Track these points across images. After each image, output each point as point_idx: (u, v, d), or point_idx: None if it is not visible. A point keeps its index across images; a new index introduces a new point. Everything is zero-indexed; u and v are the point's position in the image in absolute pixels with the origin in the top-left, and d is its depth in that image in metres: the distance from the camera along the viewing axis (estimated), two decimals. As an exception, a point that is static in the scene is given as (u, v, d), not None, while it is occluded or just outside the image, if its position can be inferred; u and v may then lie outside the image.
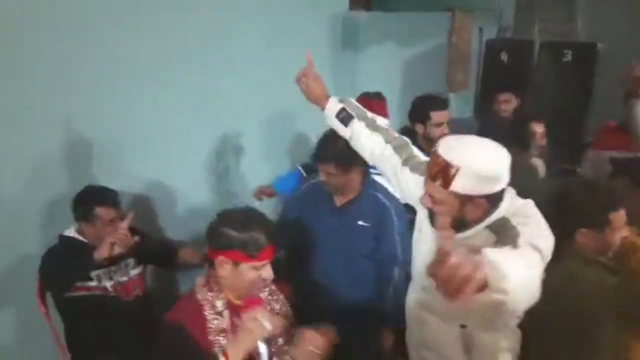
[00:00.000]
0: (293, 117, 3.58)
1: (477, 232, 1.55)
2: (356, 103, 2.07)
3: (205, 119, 3.15)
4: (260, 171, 3.54)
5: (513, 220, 1.50)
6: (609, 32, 4.77)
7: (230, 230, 1.56)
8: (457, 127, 3.69)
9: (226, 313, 1.60)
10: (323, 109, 2.06)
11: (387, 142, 1.93)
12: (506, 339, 1.78)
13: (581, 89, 4.39)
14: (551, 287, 1.71)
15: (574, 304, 1.71)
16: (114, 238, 2.15)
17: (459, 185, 1.45)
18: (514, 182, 1.55)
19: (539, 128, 3.12)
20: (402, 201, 2.17)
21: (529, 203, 1.59)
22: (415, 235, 1.88)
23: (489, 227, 1.55)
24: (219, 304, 1.60)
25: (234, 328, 1.56)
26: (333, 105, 2.03)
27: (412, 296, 1.97)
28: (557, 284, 1.71)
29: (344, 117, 2.00)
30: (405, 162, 1.85)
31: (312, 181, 2.54)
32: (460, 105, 5.05)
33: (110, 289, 2.32)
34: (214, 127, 3.24)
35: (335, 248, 2.36)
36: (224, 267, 1.57)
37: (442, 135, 2.87)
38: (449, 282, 0.98)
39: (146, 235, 2.54)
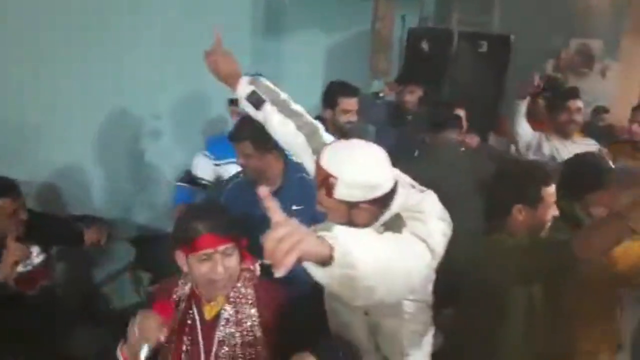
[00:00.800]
0: (210, 99, 3.51)
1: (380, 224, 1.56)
2: (269, 84, 1.95)
3: (116, 100, 3.03)
4: (179, 154, 3.46)
5: (404, 214, 1.52)
6: (523, 25, 4.99)
7: (177, 224, 1.62)
8: (372, 111, 3.80)
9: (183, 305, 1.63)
10: (234, 90, 1.93)
11: (298, 129, 1.87)
12: (412, 323, 1.80)
13: (495, 79, 4.56)
14: (477, 259, 1.78)
15: (494, 272, 1.77)
16: (14, 257, 2.07)
17: (341, 194, 1.46)
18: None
19: (461, 113, 3.24)
20: None
21: (428, 198, 1.59)
22: None
23: (383, 224, 1.56)
24: (181, 292, 1.65)
25: (182, 319, 1.61)
26: (244, 87, 1.90)
27: None
28: (482, 255, 1.79)
29: (255, 100, 1.89)
30: (314, 152, 1.79)
31: (233, 182, 2.48)
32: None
33: (11, 283, 2.19)
34: (127, 108, 3.12)
35: None
36: (182, 262, 1.61)
37: (349, 122, 2.97)
38: (272, 253, 1.02)
39: (46, 216, 2.42)
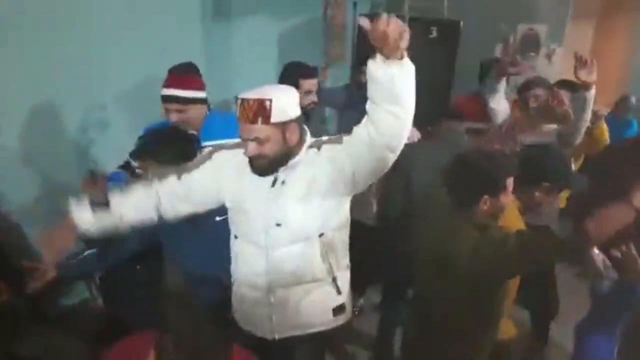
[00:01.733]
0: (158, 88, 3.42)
1: (304, 153, 1.81)
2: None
3: (60, 90, 2.91)
4: (128, 146, 3.36)
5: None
6: (472, 10, 5.06)
7: None
8: (332, 95, 3.79)
9: None
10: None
11: (146, 186, 1.91)
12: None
13: (445, 64, 4.63)
14: (453, 256, 1.81)
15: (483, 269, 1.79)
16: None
17: (276, 115, 1.70)
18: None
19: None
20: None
21: None
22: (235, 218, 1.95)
23: (311, 146, 1.83)
24: None
25: None
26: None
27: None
28: (461, 252, 1.79)
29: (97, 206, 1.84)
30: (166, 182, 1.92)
31: None
32: (339, 75, 5.13)
33: None
34: (74, 97, 3.01)
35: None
36: None
37: (311, 103, 2.96)
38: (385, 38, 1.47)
39: None
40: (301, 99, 2.92)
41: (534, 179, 2.02)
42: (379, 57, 1.54)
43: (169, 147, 2.19)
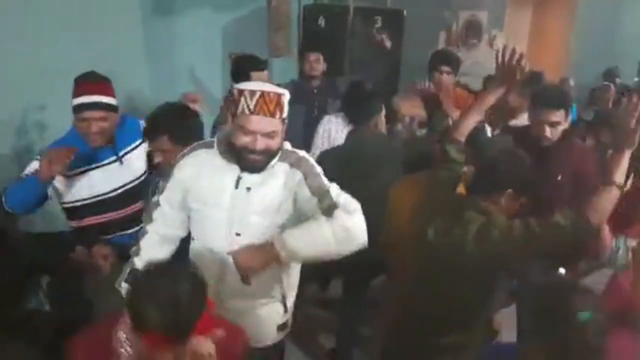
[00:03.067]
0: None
1: (279, 159, 1.80)
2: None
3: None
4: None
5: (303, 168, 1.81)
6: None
7: None
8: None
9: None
10: None
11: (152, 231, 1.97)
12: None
13: (391, 53, 4.66)
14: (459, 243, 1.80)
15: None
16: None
17: (286, 109, 1.75)
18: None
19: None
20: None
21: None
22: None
23: (290, 164, 1.81)
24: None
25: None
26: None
27: None
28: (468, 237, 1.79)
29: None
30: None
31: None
32: (286, 69, 5.10)
33: None
34: (10, 98, 2.88)
35: None
36: None
37: None
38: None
39: None
40: None
41: (498, 185, 1.96)
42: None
43: (183, 121, 2.15)
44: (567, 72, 5.71)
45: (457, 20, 6.23)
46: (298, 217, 1.82)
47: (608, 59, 5.87)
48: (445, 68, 3.35)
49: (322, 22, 4.81)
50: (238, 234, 1.80)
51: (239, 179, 1.79)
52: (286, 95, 1.74)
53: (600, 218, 1.70)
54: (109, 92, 2.35)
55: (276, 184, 1.80)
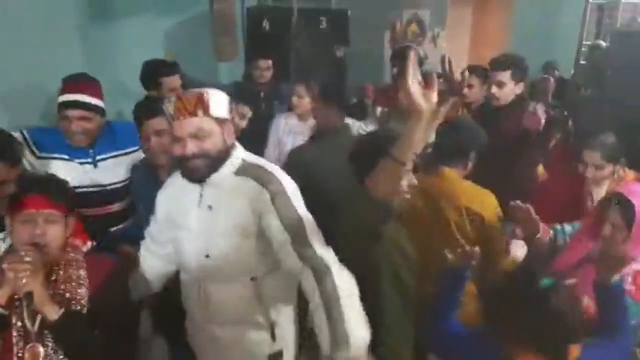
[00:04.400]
0: (33, 93, 3.16)
1: (231, 172, 1.72)
2: None
3: None
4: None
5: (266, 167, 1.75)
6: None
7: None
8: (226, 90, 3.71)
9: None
10: None
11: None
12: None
13: (337, 54, 4.67)
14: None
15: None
16: None
17: (215, 109, 1.65)
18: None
19: (301, 90, 3.27)
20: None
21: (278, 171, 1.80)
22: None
23: (255, 179, 1.70)
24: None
25: None
26: None
27: None
28: None
29: None
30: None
31: (139, 170, 2.42)
32: (233, 71, 5.03)
33: None
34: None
35: None
36: (8, 229, 1.65)
37: None
38: None
39: None
40: (166, 95, 2.83)
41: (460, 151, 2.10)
42: None
43: None
44: (508, 67, 5.85)
45: (401, 19, 6.31)
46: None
47: (547, 52, 6.07)
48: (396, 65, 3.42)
49: (266, 24, 4.78)
50: (207, 256, 1.73)
51: (200, 196, 1.73)
52: (212, 93, 1.67)
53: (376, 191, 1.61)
54: (93, 93, 2.34)
55: (240, 203, 1.69)
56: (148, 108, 2.29)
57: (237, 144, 1.80)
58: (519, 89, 2.68)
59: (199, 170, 1.68)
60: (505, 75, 2.64)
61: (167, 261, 1.90)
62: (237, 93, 3.70)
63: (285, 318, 1.87)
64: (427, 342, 1.83)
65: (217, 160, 1.69)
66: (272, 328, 1.82)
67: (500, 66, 2.68)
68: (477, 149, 2.20)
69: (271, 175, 1.72)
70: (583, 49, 5.87)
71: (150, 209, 1.93)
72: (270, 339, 1.83)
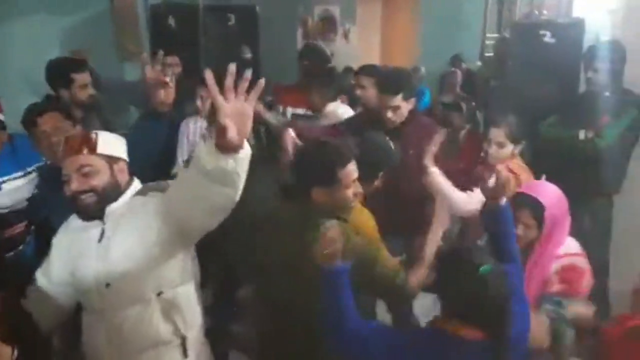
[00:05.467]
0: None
1: (130, 198, 1.72)
2: None
3: None
4: None
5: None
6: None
7: None
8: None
9: None
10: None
11: None
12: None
13: (249, 50, 4.59)
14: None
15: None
16: None
17: (103, 147, 1.66)
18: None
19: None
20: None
21: None
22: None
23: (148, 191, 1.74)
24: None
25: None
26: None
27: None
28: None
29: None
30: None
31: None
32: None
33: None
34: None
35: None
36: None
37: (90, 97, 2.83)
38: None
39: None
40: (77, 93, 2.82)
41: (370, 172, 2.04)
42: (213, 148, 1.34)
43: None
44: (418, 61, 5.99)
45: (312, 15, 6.30)
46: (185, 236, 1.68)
47: (454, 46, 6.25)
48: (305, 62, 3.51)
49: (172, 22, 4.59)
50: (107, 285, 1.66)
51: (102, 232, 1.69)
52: (101, 134, 1.68)
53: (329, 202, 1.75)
54: None
55: (142, 217, 1.67)
56: (41, 106, 2.28)
57: (135, 179, 1.78)
58: (411, 104, 2.69)
59: (88, 206, 1.66)
60: (397, 99, 2.62)
61: (64, 297, 1.78)
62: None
63: (195, 330, 1.83)
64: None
65: (107, 196, 1.68)
66: (183, 344, 1.77)
67: (393, 91, 2.62)
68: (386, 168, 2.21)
69: (149, 187, 1.76)
70: (487, 42, 6.10)
71: (62, 214, 1.83)
72: (181, 357, 1.77)
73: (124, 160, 1.74)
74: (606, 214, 2.94)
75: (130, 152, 1.76)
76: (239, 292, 2.83)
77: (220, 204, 1.49)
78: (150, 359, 1.74)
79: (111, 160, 1.68)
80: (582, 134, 2.83)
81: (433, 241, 1.91)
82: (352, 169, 1.80)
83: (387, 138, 2.34)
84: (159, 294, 1.70)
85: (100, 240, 1.68)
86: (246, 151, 1.38)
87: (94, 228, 1.70)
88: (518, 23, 4.30)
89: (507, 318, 1.45)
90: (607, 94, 2.86)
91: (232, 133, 1.27)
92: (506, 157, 2.52)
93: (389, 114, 2.62)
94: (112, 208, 1.68)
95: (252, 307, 2.32)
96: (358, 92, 2.86)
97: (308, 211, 1.80)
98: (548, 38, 3.41)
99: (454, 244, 1.74)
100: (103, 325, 1.71)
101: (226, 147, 1.32)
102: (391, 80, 2.71)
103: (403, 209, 2.54)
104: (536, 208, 1.94)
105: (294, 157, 1.88)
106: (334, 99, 3.05)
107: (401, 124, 2.65)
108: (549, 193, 1.99)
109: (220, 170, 1.36)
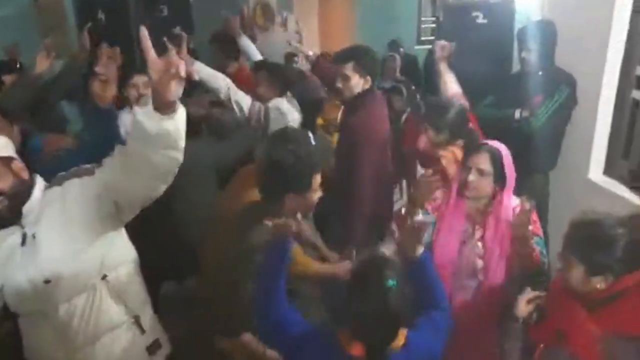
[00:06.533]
0: None
1: (42, 193, 1.66)
2: None
3: None
4: None
5: None
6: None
7: None
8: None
9: None
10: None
11: None
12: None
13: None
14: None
15: None
16: None
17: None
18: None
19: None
20: None
21: None
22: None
23: (64, 180, 1.68)
24: None
25: None
26: None
27: None
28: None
29: None
30: None
31: None
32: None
33: None
34: None
35: None
36: None
37: None
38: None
39: None
40: None
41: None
42: (152, 111, 1.35)
43: None
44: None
45: (248, 4, 6.20)
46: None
47: (391, 31, 6.31)
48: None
49: (102, 15, 4.41)
50: (47, 281, 1.60)
51: (23, 235, 1.62)
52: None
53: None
54: None
55: (58, 214, 1.62)
56: None
57: (37, 175, 1.73)
58: (365, 83, 2.68)
59: (3, 211, 1.60)
60: (348, 68, 2.62)
61: None
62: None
63: (145, 306, 1.85)
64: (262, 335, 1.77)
65: (18, 197, 1.62)
66: (137, 322, 1.78)
67: (342, 59, 2.65)
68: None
69: (65, 176, 1.70)
70: (423, 26, 6.19)
71: None
72: (139, 332, 1.79)
73: (16, 159, 1.66)
74: (543, 191, 3.04)
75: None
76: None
77: (166, 168, 1.50)
78: (107, 344, 1.73)
79: (6, 161, 1.62)
80: (517, 114, 2.90)
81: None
82: (319, 173, 1.85)
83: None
84: (103, 278, 1.67)
85: (23, 244, 1.62)
86: (182, 110, 1.40)
87: (13, 234, 1.63)
88: (450, 5, 4.36)
89: (393, 337, 1.47)
90: (540, 73, 2.94)
91: (166, 88, 1.30)
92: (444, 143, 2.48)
93: (338, 83, 2.64)
94: (28, 208, 1.63)
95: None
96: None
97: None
98: (480, 19, 3.47)
99: (370, 254, 1.75)
100: (48, 324, 1.66)
101: (164, 108, 1.34)
102: (345, 49, 2.75)
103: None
104: (495, 154, 2.02)
105: (267, 165, 1.83)
106: (281, 94, 3.00)
107: (354, 99, 2.65)
108: (503, 149, 2.07)
109: (164, 132, 1.37)
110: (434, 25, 6.44)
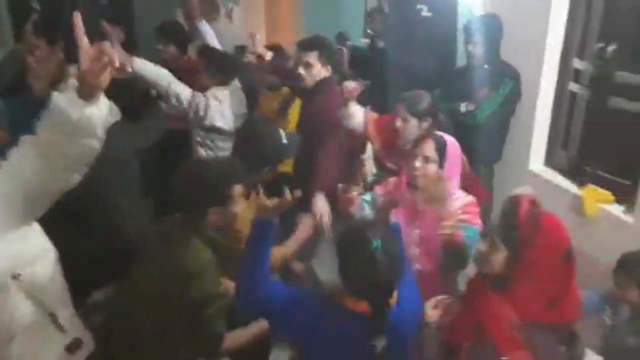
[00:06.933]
0: None
1: None
2: None
3: None
4: None
5: None
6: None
7: None
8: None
9: None
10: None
11: None
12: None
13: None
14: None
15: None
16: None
17: None
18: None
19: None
20: None
21: None
22: None
23: None
24: None
25: None
26: None
27: None
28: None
29: None
30: None
31: None
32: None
33: None
34: None
35: None
36: None
37: None
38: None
39: None
40: None
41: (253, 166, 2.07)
42: (76, 98, 1.33)
43: None
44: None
45: (192, -6, 6.04)
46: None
47: (338, 23, 6.29)
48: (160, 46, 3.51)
49: (36, 5, 4.18)
50: (18, 274, 1.55)
51: None
52: None
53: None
54: None
55: None
56: None
57: None
58: (326, 71, 2.73)
59: None
60: (312, 57, 2.68)
61: None
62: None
63: (65, 305, 1.76)
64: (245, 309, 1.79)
65: None
66: (54, 320, 1.69)
67: (306, 47, 2.72)
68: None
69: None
70: (368, 18, 6.20)
71: None
72: (58, 331, 1.70)
73: None
74: (488, 183, 3.11)
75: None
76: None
77: (82, 157, 1.47)
78: (24, 344, 1.64)
79: None
80: (463, 107, 2.95)
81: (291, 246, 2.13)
82: (239, 185, 1.86)
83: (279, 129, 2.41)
84: (15, 277, 1.56)
85: None
86: (105, 99, 1.39)
87: None
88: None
89: (391, 292, 1.58)
90: (485, 66, 2.99)
91: (94, 77, 1.29)
92: (414, 131, 2.49)
93: (300, 70, 2.70)
94: None
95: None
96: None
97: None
98: (425, 12, 3.49)
99: (351, 224, 1.80)
100: None
101: (88, 94, 1.32)
102: (310, 38, 2.84)
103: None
104: (440, 142, 2.08)
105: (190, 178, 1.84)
106: (223, 83, 2.96)
107: (315, 86, 2.72)
108: (449, 138, 2.14)
109: (85, 119, 1.35)
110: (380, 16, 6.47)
